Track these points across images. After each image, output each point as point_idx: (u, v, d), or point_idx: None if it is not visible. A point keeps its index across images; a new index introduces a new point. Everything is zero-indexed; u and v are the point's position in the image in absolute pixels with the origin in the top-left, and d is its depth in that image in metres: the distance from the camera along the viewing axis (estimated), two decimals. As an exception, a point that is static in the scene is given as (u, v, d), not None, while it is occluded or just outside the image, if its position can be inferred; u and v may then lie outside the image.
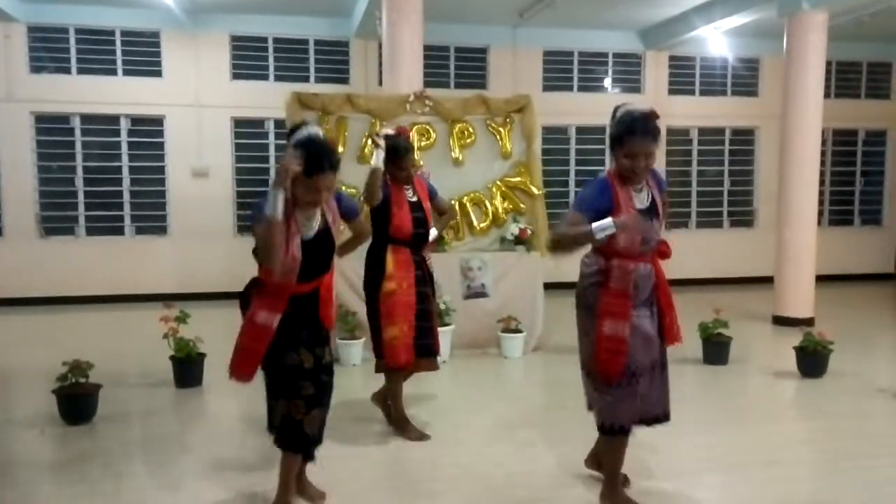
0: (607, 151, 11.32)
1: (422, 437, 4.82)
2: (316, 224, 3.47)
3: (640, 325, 3.53)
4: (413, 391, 5.42)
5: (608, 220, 3.32)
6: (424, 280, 4.92)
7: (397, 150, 4.78)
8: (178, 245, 10.74)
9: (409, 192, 4.90)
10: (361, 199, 5.12)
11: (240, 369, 3.47)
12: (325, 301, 3.57)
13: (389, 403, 5.02)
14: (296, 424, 3.48)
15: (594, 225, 3.32)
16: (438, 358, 5.07)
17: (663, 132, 11.57)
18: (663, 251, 3.66)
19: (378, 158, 4.71)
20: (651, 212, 3.56)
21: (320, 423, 3.57)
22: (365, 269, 4.91)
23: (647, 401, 3.56)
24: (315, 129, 3.44)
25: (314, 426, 3.53)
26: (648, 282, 3.58)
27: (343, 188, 7.02)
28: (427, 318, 4.92)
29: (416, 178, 5.03)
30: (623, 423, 3.56)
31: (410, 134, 6.99)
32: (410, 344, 4.76)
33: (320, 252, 3.49)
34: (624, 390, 3.50)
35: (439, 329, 6.68)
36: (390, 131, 4.99)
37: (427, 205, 4.97)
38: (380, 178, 4.71)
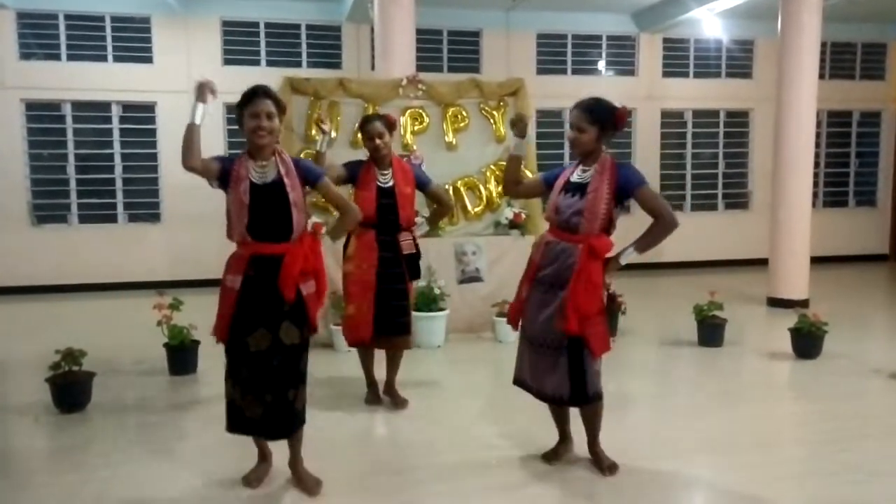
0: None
1: (399, 404, 5.10)
2: (270, 174, 3.55)
3: (535, 298, 3.88)
4: (407, 375, 5.41)
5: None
6: (395, 261, 4.92)
7: (364, 120, 4.99)
8: (172, 232, 10.70)
9: (385, 177, 4.89)
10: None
11: (216, 330, 3.65)
12: (288, 270, 3.50)
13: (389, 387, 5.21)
14: (233, 408, 3.62)
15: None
16: (410, 336, 5.16)
17: (657, 115, 11.53)
18: (592, 245, 3.69)
19: (323, 143, 4.89)
20: (578, 189, 3.76)
21: (267, 407, 3.53)
22: None
23: (524, 369, 4.02)
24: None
25: (254, 409, 3.54)
26: (564, 260, 3.74)
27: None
28: (396, 296, 4.95)
29: (401, 164, 5.02)
30: (515, 374, 4.09)
31: (397, 120, 6.96)
32: (368, 322, 4.87)
33: (271, 203, 3.50)
34: (519, 343, 4.08)
35: (434, 314, 6.75)
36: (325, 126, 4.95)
37: (406, 191, 4.93)
38: (323, 161, 4.80)
